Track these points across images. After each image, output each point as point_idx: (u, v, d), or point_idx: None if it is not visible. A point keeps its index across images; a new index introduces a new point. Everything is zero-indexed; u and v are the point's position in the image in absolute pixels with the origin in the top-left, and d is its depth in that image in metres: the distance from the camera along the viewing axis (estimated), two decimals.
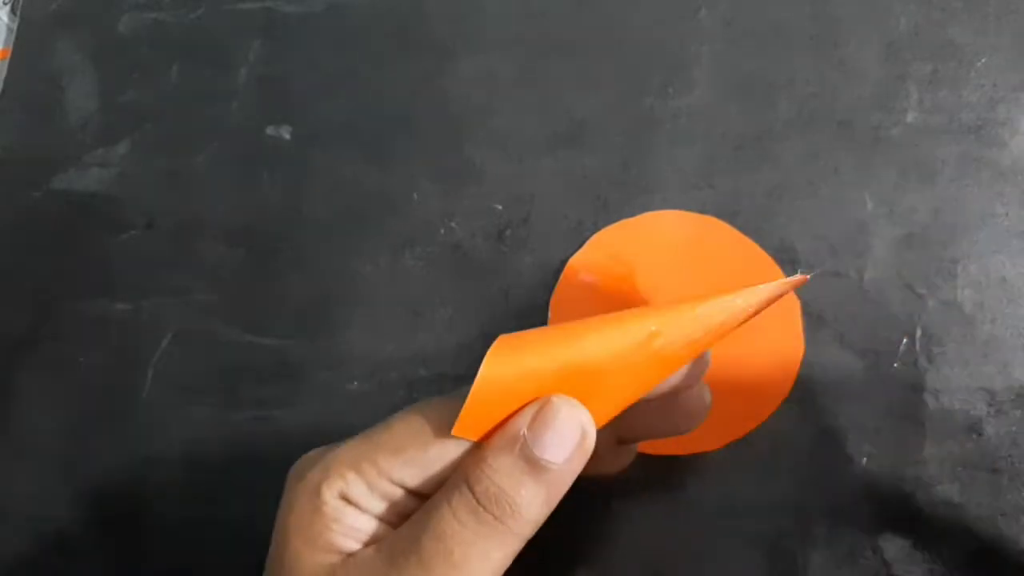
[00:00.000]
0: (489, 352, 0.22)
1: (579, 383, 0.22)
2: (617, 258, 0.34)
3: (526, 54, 0.36)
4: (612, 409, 0.23)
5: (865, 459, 0.31)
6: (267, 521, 0.23)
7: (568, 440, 0.22)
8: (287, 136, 0.36)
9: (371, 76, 0.37)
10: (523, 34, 0.37)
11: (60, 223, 0.36)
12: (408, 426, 0.22)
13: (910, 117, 0.35)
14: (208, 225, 0.35)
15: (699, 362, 0.24)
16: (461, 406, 0.21)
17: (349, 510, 0.22)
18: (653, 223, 0.34)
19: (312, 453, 0.24)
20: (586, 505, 0.32)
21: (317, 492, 0.22)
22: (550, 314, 0.33)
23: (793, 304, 0.33)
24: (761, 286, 0.23)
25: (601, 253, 0.34)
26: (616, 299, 0.33)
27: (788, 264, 0.33)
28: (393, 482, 0.22)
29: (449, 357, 0.33)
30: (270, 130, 0.36)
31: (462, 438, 0.22)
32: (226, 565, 0.32)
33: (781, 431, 0.32)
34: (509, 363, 0.22)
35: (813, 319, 0.33)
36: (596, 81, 0.36)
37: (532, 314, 0.34)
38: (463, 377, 0.33)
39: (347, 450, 0.23)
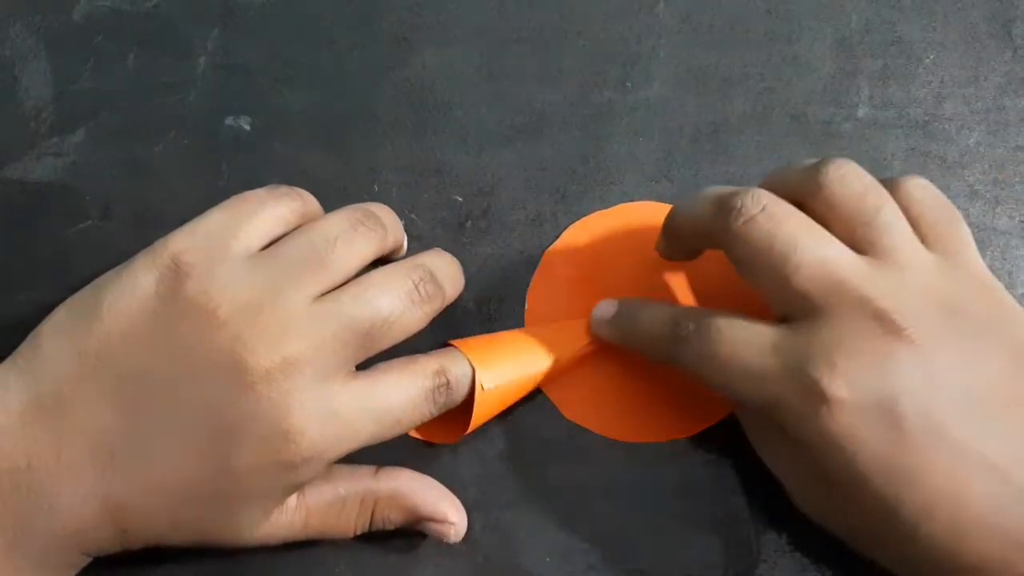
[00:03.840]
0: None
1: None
2: (593, 249, 0.34)
3: (486, 46, 0.37)
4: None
5: None
6: None
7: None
8: (247, 127, 0.36)
9: (332, 67, 0.37)
10: (483, 26, 0.37)
11: (13, 213, 0.35)
12: None
13: (861, 112, 0.35)
14: (166, 216, 0.35)
15: None
16: None
17: None
18: (628, 214, 0.35)
19: None
20: (547, 486, 0.32)
21: None
22: (527, 304, 0.34)
23: None
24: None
25: (577, 244, 0.34)
26: (592, 289, 0.34)
27: None
28: None
29: (410, 344, 0.33)
30: (229, 120, 0.36)
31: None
32: None
33: (736, 417, 0.32)
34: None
35: None
36: (555, 74, 0.36)
37: (491, 305, 0.34)
38: None
39: None
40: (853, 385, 0.25)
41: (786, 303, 0.27)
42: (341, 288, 0.28)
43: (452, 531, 0.30)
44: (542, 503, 0.32)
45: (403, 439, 0.31)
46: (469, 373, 0.30)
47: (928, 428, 0.24)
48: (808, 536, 0.31)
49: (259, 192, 0.29)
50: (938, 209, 0.28)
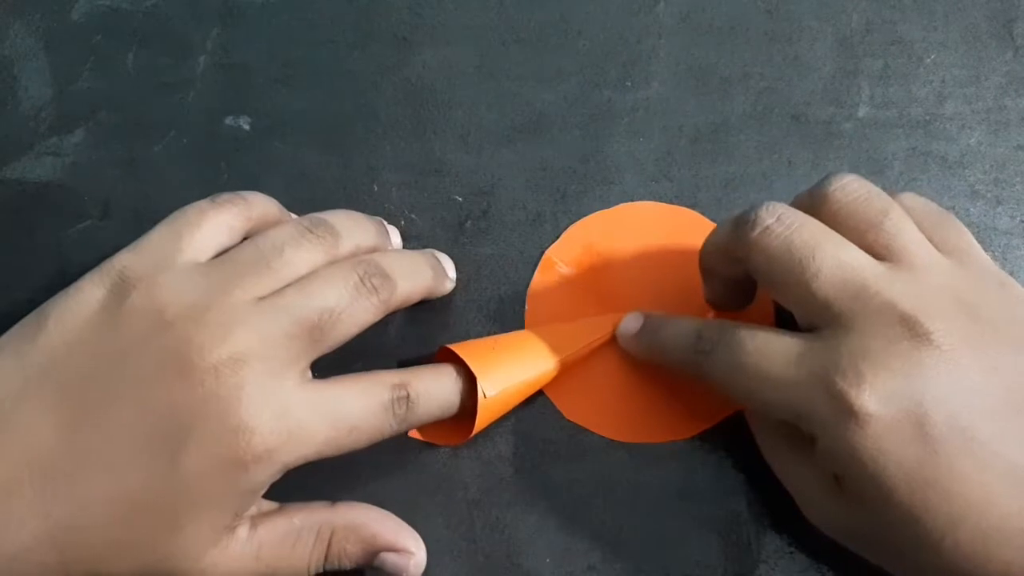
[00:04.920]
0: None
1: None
2: (593, 249, 0.34)
3: (486, 46, 0.37)
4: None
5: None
6: None
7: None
8: (246, 127, 0.36)
9: (331, 66, 0.37)
10: (483, 26, 0.37)
11: (12, 213, 0.35)
12: None
13: (861, 112, 0.35)
14: (165, 215, 0.35)
15: None
16: None
17: None
18: (629, 214, 0.35)
19: None
20: (548, 486, 0.32)
21: None
22: (527, 305, 0.34)
23: (767, 294, 0.33)
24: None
25: (578, 244, 0.34)
26: (591, 290, 0.34)
27: None
28: None
29: (411, 346, 0.33)
30: (229, 120, 0.36)
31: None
32: None
33: (737, 420, 0.32)
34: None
35: None
36: (555, 74, 0.36)
37: (491, 305, 0.34)
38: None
39: None
40: (881, 398, 0.24)
41: (808, 311, 0.27)
42: (287, 285, 0.27)
43: (411, 562, 0.29)
44: (542, 503, 0.32)
45: (404, 439, 0.31)
46: (433, 390, 0.29)
47: (956, 435, 0.24)
48: (808, 537, 0.31)
49: (201, 203, 0.29)
50: (936, 215, 0.28)
